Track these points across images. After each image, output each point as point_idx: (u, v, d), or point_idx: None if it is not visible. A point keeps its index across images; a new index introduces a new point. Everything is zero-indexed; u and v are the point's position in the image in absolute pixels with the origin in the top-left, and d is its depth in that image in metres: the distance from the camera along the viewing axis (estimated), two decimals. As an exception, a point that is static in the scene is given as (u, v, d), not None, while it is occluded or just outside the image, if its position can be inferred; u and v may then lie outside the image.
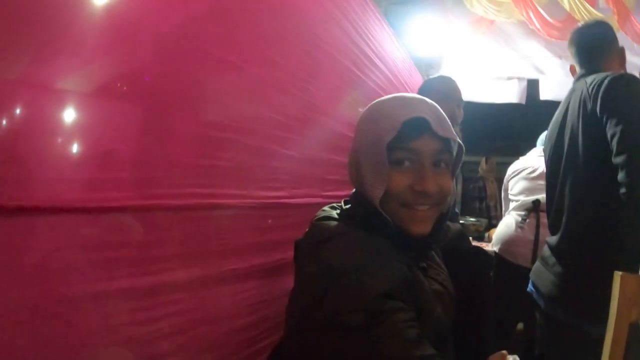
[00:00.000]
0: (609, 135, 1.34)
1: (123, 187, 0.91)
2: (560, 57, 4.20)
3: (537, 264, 1.65)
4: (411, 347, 0.75)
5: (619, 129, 1.31)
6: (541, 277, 1.57)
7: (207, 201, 1.11)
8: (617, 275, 1.17)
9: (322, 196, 1.52)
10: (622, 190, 1.28)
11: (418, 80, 2.72)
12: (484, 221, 4.13)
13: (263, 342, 1.29)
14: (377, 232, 0.89)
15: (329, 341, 0.77)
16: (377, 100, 0.98)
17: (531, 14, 4.08)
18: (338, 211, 0.99)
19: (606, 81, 1.42)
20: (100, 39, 0.87)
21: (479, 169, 5.88)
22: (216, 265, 1.15)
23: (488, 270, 1.44)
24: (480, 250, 1.45)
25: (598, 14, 3.54)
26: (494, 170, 5.44)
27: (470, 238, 3.70)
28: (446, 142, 0.92)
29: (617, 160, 1.30)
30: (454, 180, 1.00)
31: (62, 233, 0.81)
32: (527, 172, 2.72)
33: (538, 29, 4.08)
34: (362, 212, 0.93)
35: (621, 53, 1.66)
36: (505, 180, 2.97)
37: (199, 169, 1.09)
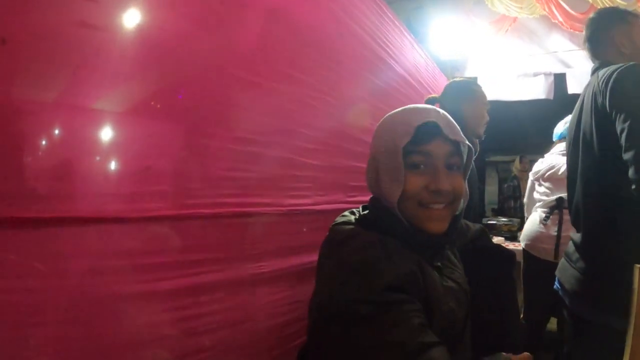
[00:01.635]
0: (618, 131, 1.32)
1: (161, 199, 1.01)
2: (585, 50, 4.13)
3: (562, 260, 1.63)
4: (414, 334, 0.81)
5: (627, 124, 1.29)
6: (565, 273, 1.57)
7: (239, 209, 1.21)
8: (637, 268, 1.16)
9: (346, 202, 1.60)
10: (633, 186, 1.27)
11: (443, 84, 2.77)
12: (516, 221, 4.09)
13: (295, 341, 1.36)
14: (390, 233, 0.96)
15: (341, 331, 0.84)
16: (391, 112, 1.05)
17: (553, 8, 4.04)
18: (356, 216, 1.07)
19: (614, 75, 1.39)
20: (134, 60, 0.96)
21: (513, 168, 5.83)
22: (250, 268, 1.25)
23: (510, 267, 1.45)
24: (501, 247, 1.47)
25: (621, 2, 3.48)
26: (528, 169, 5.38)
27: (503, 238, 3.71)
28: (456, 145, 0.99)
29: (626, 156, 1.28)
30: (466, 182, 1.05)
31: (106, 241, 0.90)
32: (552, 170, 2.77)
33: (561, 23, 4.04)
34: (378, 216, 1.00)
35: (622, 35, 1.57)
36: (531, 180, 3.04)
37: (230, 181, 1.19)
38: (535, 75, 4.45)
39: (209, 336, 1.11)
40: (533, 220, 2.81)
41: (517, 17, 4.29)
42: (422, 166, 0.96)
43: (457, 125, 1.00)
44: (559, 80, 4.39)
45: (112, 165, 0.94)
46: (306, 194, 1.44)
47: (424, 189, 0.95)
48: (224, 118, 1.18)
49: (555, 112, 3.12)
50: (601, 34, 1.61)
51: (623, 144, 1.30)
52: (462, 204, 1.05)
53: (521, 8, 4.16)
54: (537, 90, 4.44)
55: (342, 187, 1.65)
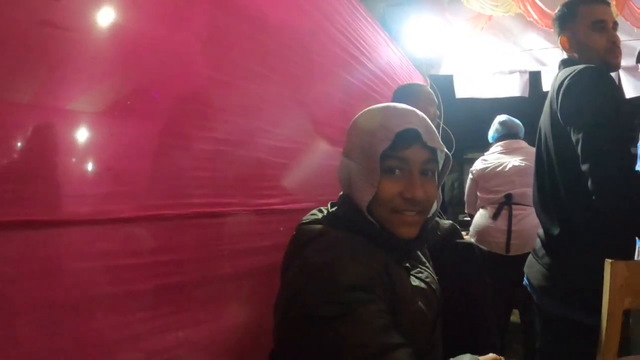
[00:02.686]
0: (573, 141, 1.32)
1: (131, 200, 0.99)
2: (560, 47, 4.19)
3: (530, 257, 1.64)
4: (378, 335, 0.80)
5: (580, 136, 1.29)
6: (532, 269, 1.57)
7: (206, 210, 1.19)
8: (608, 262, 1.17)
9: (315, 200, 1.54)
10: (593, 197, 1.27)
11: (419, 81, 2.78)
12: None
13: (266, 341, 1.35)
14: (359, 232, 0.96)
15: (305, 332, 0.83)
16: (369, 108, 1.03)
17: (528, 6, 4.07)
18: (324, 213, 1.06)
19: (565, 82, 1.39)
20: (98, 59, 0.93)
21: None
22: (220, 269, 1.23)
23: (482, 264, 1.46)
24: (472, 245, 1.48)
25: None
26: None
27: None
28: (434, 152, 0.99)
29: (583, 167, 1.29)
30: (439, 187, 1.06)
31: (65, 244, 0.88)
32: (499, 168, 2.93)
33: (536, 21, 4.07)
34: (347, 214, 0.99)
35: (566, 44, 1.58)
36: (473, 178, 3.15)
37: (197, 181, 1.17)
38: (511, 72, 4.49)
39: (180, 336, 1.09)
40: (482, 215, 2.97)
41: (492, 15, 4.32)
42: (397, 171, 0.95)
43: (435, 130, 1.00)
44: (534, 77, 4.44)
45: (73, 166, 0.91)
46: (275, 193, 1.43)
47: (398, 195, 0.95)
48: (191, 117, 1.16)
49: (531, 109, 3.17)
50: (563, 24, 1.62)
51: (580, 155, 1.30)
52: (434, 207, 1.05)
53: (496, 6, 4.19)
54: (513, 87, 4.48)
55: (312, 186, 1.64)
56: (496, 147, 3.08)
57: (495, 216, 2.84)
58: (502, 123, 3.15)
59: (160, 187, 1.06)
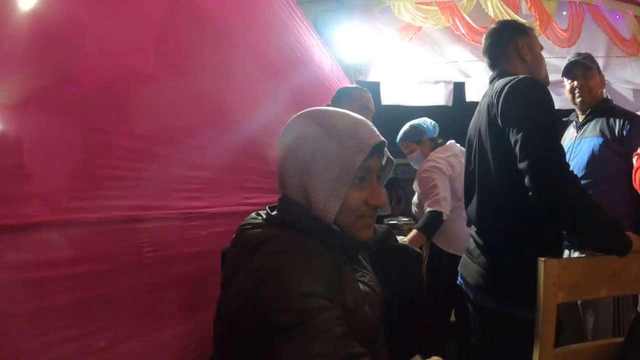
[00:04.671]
0: (512, 142, 1.38)
1: (44, 202, 0.89)
2: (484, 61, 4.40)
3: (464, 256, 1.69)
4: (339, 345, 0.77)
5: (519, 136, 1.35)
6: (468, 268, 1.62)
7: (129, 213, 1.09)
8: (541, 261, 1.24)
9: (243, 204, 1.52)
10: (530, 193, 1.33)
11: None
12: (417, 220, 4.24)
13: (193, 353, 1.27)
14: (307, 234, 0.92)
15: (260, 344, 0.78)
16: (324, 115, 0.99)
17: (457, 21, 4.30)
18: (264, 217, 1.00)
19: (506, 88, 1.45)
20: (20, 46, 0.84)
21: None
22: (145, 278, 1.14)
23: (418, 266, 1.47)
24: (407, 247, 1.49)
25: (521, 20, 3.73)
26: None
27: (405, 237, 3.82)
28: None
29: (521, 166, 1.34)
30: None
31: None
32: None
33: (464, 35, 4.31)
34: (297, 218, 0.95)
35: (524, 45, 1.65)
36: (447, 178, 2.87)
37: (119, 181, 1.07)
38: (436, 82, 4.68)
39: (101, 354, 1.00)
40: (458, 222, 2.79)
41: (421, 27, 4.46)
42: (360, 181, 0.96)
43: None
44: (458, 88, 4.65)
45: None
46: (199, 196, 1.34)
47: (364, 203, 0.96)
48: (112, 111, 1.06)
49: (453, 118, 3.27)
50: (503, 44, 1.68)
51: (518, 155, 1.35)
52: None
53: (426, 18, 4.36)
54: (437, 97, 4.67)
55: (239, 189, 1.57)
56: (448, 149, 2.86)
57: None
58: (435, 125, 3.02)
59: (76, 187, 0.96)
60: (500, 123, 1.45)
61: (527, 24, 1.76)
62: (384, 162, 1.06)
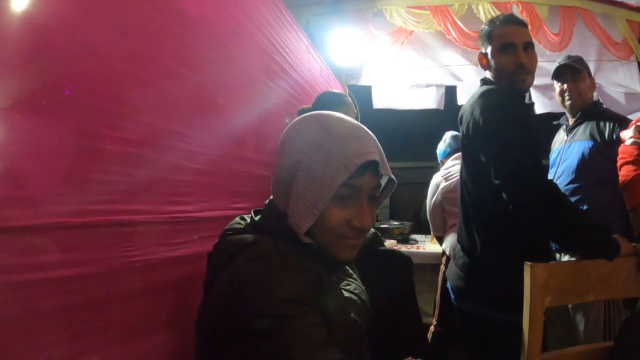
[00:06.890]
0: (484, 160, 1.40)
1: (32, 205, 0.87)
2: (476, 64, 4.40)
3: (450, 262, 1.71)
4: (316, 351, 0.76)
5: (493, 152, 1.36)
6: (450, 271, 1.64)
7: (118, 217, 1.08)
8: (527, 265, 1.24)
9: (231, 208, 1.51)
10: (510, 207, 1.33)
11: (337, 90, 2.78)
12: (408, 224, 4.24)
13: (182, 358, 1.26)
14: (288, 240, 0.90)
15: (238, 349, 0.77)
16: (322, 122, 0.94)
17: (449, 25, 4.33)
18: (248, 221, 1.00)
19: (476, 105, 1.47)
20: (9, 48, 0.83)
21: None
22: (133, 282, 1.13)
23: (406, 270, 1.47)
24: (394, 251, 1.50)
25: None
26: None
27: (396, 241, 3.83)
28: (380, 176, 0.96)
29: (496, 182, 1.35)
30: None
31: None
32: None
33: (455, 39, 4.35)
34: (275, 223, 0.94)
35: (491, 51, 1.64)
36: (440, 196, 2.96)
37: (108, 185, 1.06)
38: (428, 86, 4.69)
39: (95, 354, 0.99)
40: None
41: (413, 31, 4.48)
42: (347, 199, 0.91)
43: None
44: (450, 92, 4.66)
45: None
46: (188, 200, 1.33)
47: (346, 223, 0.91)
48: (102, 115, 1.04)
49: (445, 122, 3.29)
50: (480, 51, 1.73)
51: (492, 171, 1.37)
52: None
53: (418, 22, 4.40)
54: (429, 100, 4.69)
55: (228, 193, 1.56)
56: (453, 161, 2.96)
57: None
58: (454, 137, 3.10)
59: (65, 191, 0.95)
60: (471, 136, 1.47)
61: (491, 28, 1.69)
62: (382, 182, 1.00)
